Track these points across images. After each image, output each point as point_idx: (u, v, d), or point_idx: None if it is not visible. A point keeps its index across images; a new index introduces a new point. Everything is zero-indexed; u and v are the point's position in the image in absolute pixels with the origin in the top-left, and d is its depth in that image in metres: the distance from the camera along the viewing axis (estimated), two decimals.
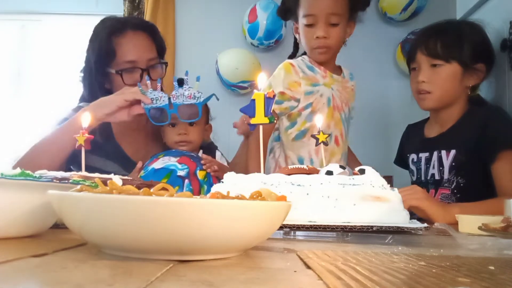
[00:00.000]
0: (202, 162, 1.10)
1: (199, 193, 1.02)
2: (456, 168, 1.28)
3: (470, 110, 1.33)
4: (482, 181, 1.25)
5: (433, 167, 1.33)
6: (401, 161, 1.54)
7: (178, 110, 1.09)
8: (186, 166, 1.05)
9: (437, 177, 1.32)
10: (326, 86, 1.38)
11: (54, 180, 0.62)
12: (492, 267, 0.43)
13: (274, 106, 1.31)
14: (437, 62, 1.29)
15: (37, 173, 0.67)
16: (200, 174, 1.06)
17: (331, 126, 1.38)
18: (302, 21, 1.34)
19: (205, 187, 1.05)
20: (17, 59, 2.72)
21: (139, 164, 1.09)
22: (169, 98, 1.09)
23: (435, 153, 1.33)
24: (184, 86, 1.08)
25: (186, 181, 1.03)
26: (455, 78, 1.29)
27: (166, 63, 1.35)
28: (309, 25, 1.32)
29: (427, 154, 1.37)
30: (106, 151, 1.26)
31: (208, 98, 1.10)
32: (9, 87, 2.70)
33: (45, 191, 0.46)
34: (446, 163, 1.30)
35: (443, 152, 1.31)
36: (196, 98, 1.08)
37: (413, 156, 1.43)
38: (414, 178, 1.42)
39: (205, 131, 1.26)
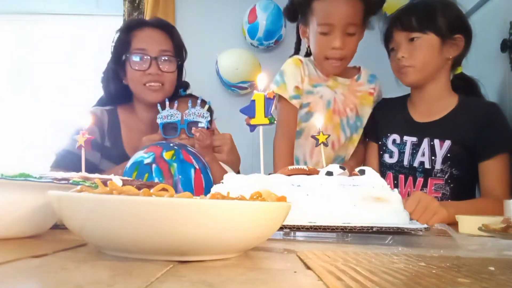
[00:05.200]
0: (194, 130, 1.17)
1: (168, 173, 0.98)
2: (450, 160, 1.26)
3: (464, 101, 1.31)
4: (476, 173, 1.26)
5: (423, 155, 1.29)
6: (372, 134, 1.43)
7: (187, 125, 1.23)
8: (151, 153, 1.02)
9: (427, 165, 1.29)
10: (329, 88, 1.37)
11: (54, 181, 0.62)
12: (492, 268, 0.43)
13: (294, 102, 1.33)
14: (414, 35, 1.26)
15: (38, 173, 0.67)
16: (167, 155, 1.02)
17: (328, 130, 1.36)
18: (316, 28, 1.29)
19: (175, 165, 1.01)
20: (18, 59, 2.72)
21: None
22: (182, 115, 1.23)
23: (426, 140, 1.29)
24: (196, 107, 1.23)
25: (153, 165, 0.99)
26: (434, 49, 1.26)
27: (180, 61, 1.37)
28: (324, 34, 1.28)
29: (414, 139, 1.32)
30: (112, 156, 1.27)
31: (208, 122, 1.25)
32: (9, 87, 2.70)
33: (45, 191, 0.46)
34: (440, 152, 1.27)
35: (436, 141, 1.28)
36: (204, 118, 1.23)
37: (395, 136, 1.36)
38: (394, 160, 1.35)
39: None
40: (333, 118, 1.37)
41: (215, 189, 0.70)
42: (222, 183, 0.72)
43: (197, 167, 1.01)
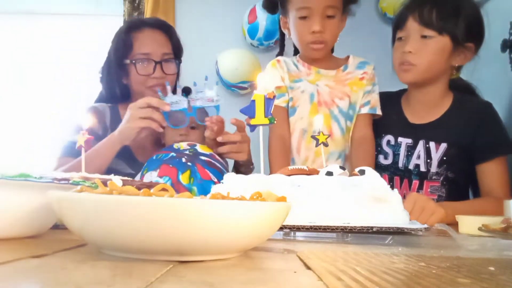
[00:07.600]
0: (207, 119, 1.08)
1: None
2: (446, 163, 1.25)
3: (459, 100, 1.28)
4: (470, 174, 1.26)
5: (418, 158, 1.27)
6: None
7: (196, 113, 1.12)
8: (167, 178, 0.97)
9: (422, 168, 1.27)
10: (311, 83, 1.33)
11: (54, 181, 0.62)
12: (492, 268, 0.43)
13: (278, 101, 1.30)
14: (428, 33, 1.19)
15: (38, 173, 0.67)
16: (184, 178, 0.98)
17: (316, 122, 1.23)
18: (294, 14, 1.26)
19: (195, 188, 0.98)
20: (17, 59, 2.72)
21: None
22: (188, 102, 1.12)
23: (421, 143, 1.27)
24: (205, 88, 1.11)
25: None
26: (444, 54, 1.20)
27: (180, 61, 1.40)
28: (303, 18, 1.25)
29: (409, 141, 1.29)
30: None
31: (218, 107, 1.13)
32: (9, 87, 2.70)
33: (45, 191, 0.46)
34: (435, 156, 1.25)
35: (432, 144, 1.26)
36: (215, 101, 1.11)
37: (389, 137, 1.34)
38: (389, 162, 1.33)
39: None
40: (319, 110, 1.32)
41: (215, 189, 0.70)
42: (222, 183, 0.72)
43: (215, 180, 0.97)
